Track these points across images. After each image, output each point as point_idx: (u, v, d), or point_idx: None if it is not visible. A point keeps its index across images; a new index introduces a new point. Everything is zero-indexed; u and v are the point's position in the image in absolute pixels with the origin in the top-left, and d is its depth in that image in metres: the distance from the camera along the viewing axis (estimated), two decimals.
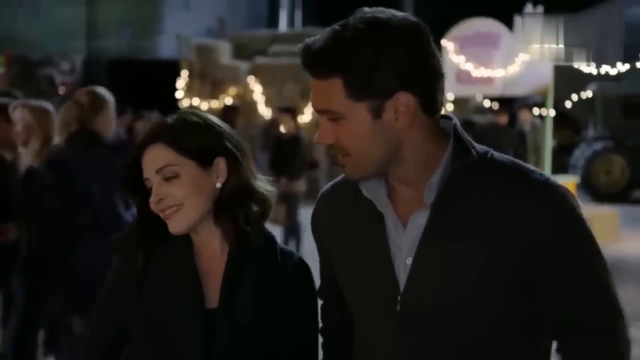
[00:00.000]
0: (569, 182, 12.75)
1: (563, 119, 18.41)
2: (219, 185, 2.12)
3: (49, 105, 5.19)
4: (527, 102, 15.07)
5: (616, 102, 18.29)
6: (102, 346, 2.29)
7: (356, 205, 2.01)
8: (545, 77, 11.65)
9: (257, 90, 17.59)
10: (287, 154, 9.85)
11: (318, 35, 1.87)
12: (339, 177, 2.14)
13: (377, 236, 1.95)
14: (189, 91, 17.57)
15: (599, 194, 17.54)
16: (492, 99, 15.60)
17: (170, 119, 2.15)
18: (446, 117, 1.97)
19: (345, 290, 2.07)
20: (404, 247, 1.92)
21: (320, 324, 2.24)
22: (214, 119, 2.19)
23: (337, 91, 1.83)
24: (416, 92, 1.83)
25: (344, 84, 1.82)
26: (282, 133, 10.35)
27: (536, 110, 18.62)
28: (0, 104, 5.62)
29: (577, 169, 17.82)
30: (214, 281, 2.15)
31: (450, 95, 13.87)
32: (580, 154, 18.54)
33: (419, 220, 1.90)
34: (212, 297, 2.13)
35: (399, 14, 1.86)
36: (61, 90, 22.44)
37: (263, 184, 2.20)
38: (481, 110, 17.56)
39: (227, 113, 10.37)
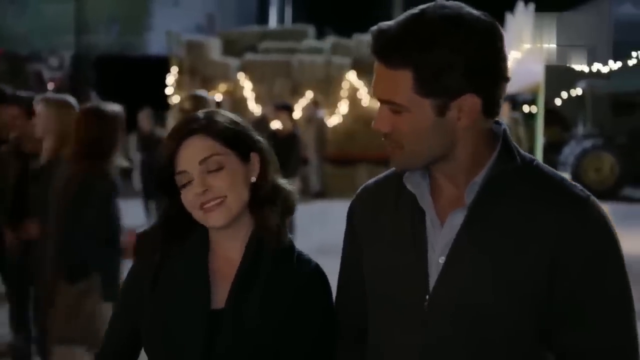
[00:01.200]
0: None
1: (553, 117, 18.41)
2: (253, 179, 2.11)
3: (71, 99, 5.08)
4: (506, 98, 15.05)
5: (606, 100, 18.34)
6: (118, 343, 2.27)
7: (397, 202, 2.00)
8: (537, 75, 11.65)
9: (247, 87, 17.56)
10: (283, 151, 9.79)
11: (393, 22, 1.83)
12: (383, 174, 2.13)
13: (416, 233, 1.94)
14: (179, 88, 17.49)
15: (589, 192, 17.55)
16: None
17: (198, 114, 2.12)
18: (496, 121, 1.96)
19: (373, 291, 2.04)
20: (438, 246, 1.90)
21: (342, 321, 2.19)
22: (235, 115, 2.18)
23: (405, 84, 1.81)
24: (482, 94, 1.82)
25: (414, 78, 1.80)
26: (278, 130, 10.27)
27: (526, 108, 18.67)
28: (23, 97, 5.63)
29: (566, 166, 17.84)
30: (226, 282, 2.11)
31: None
32: (569, 152, 18.57)
33: (456, 219, 1.89)
34: (222, 298, 2.10)
35: (475, 11, 1.83)
36: (50, 86, 22.36)
37: (284, 181, 2.20)
38: None
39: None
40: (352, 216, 2.14)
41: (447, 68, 1.78)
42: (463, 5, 1.85)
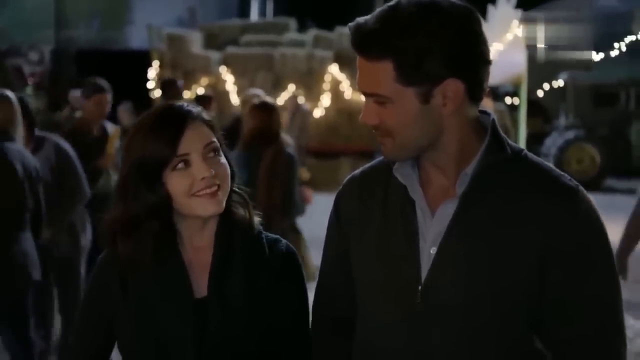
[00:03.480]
0: None
1: (535, 108, 18.48)
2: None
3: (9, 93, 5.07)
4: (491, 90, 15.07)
5: (587, 92, 18.43)
6: (89, 342, 2.26)
7: (386, 192, 2.01)
8: (519, 66, 11.68)
9: (229, 80, 17.51)
10: None
11: (369, 16, 1.85)
12: (369, 164, 2.15)
13: (407, 223, 1.95)
14: (160, 81, 17.45)
15: None
16: None
17: (187, 104, 2.15)
18: (484, 112, 1.98)
19: (362, 280, 2.05)
20: (430, 236, 1.92)
21: (315, 321, 2.23)
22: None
23: (387, 74, 1.83)
24: (465, 78, 1.84)
25: (395, 68, 1.82)
26: None
27: (508, 100, 18.71)
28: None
29: (549, 157, 17.92)
30: (201, 271, 2.14)
31: None
32: (552, 143, 18.65)
33: (448, 210, 1.91)
34: (201, 286, 2.13)
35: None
36: (30, 81, 22.23)
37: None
38: None
39: (199, 103, 10.22)
40: (338, 206, 2.15)
41: (426, 54, 1.79)
42: None
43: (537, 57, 11.88)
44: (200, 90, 17.06)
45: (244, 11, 28.28)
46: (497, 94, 17.94)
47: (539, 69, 13.83)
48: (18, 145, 4.96)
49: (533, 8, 11.79)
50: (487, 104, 13.49)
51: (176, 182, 2.07)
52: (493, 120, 1.96)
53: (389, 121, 1.88)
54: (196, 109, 2.13)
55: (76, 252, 5.81)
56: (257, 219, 2.23)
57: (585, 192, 1.92)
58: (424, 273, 1.91)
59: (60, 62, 24.26)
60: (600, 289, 1.88)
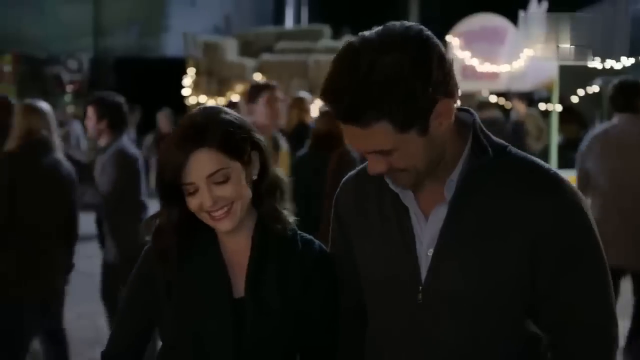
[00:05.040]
0: (572, 176, 12.75)
1: (570, 114, 18.34)
2: (255, 177, 2.23)
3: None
4: (522, 96, 14.98)
5: None
6: (125, 344, 2.37)
7: (381, 197, 2.08)
8: (551, 72, 11.65)
9: None
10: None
11: (335, 79, 1.84)
12: (362, 166, 2.20)
13: (402, 226, 2.03)
14: (196, 89, 17.56)
15: None
16: (498, 94, 15.60)
17: (200, 118, 2.16)
18: (465, 110, 2.03)
19: (366, 279, 2.15)
20: (425, 239, 2.00)
21: (343, 305, 2.30)
22: (235, 113, 2.24)
23: (385, 132, 1.86)
24: (449, 93, 1.90)
25: (392, 124, 1.84)
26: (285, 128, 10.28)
27: (542, 105, 18.60)
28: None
29: None
30: (239, 271, 2.24)
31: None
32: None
33: (440, 214, 1.99)
34: (238, 286, 2.22)
35: (395, 28, 1.86)
36: (69, 89, 22.47)
37: (278, 170, 2.33)
38: (485, 105, 17.52)
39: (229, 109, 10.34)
40: (338, 207, 2.24)
41: (415, 97, 1.82)
42: (380, 29, 1.86)
43: (570, 63, 11.79)
44: (235, 98, 17.26)
45: (279, 18, 28.36)
46: (532, 100, 17.87)
47: (573, 75, 13.75)
48: (55, 154, 5.11)
49: (564, 14, 11.72)
50: (520, 109, 13.49)
51: (189, 201, 2.17)
52: (474, 120, 2.01)
53: (399, 165, 1.93)
54: (207, 129, 2.13)
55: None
56: (291, 220, 2.29)
57: (569, 183, 1.98)
58: (423, 274, 2.00)
59: (99, 70, 24.51)
60: (589, 278, 1.95)
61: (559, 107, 12.26)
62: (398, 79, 1.80)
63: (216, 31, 24.44)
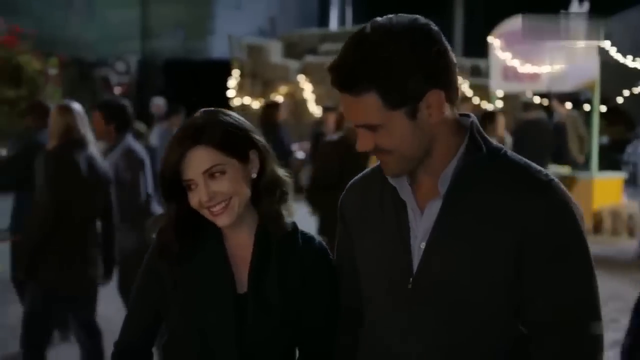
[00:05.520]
0: (616, 178, 12.68)
1: (616, 115, 18.19)
2: (254, 175, 2.28)
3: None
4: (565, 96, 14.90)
5: None
6: (135, 339, 2.43)
7: (383, 193, 2.16)
8: (592, 72, 11.63)
9: (307, 89, 17.71)
10: None
11: (341, 54, 1.96)
12: (368, 169, 2.29)
13: (400, 222, 2.10)
14: (241, 90, 17.77)
15: None
16: (541, 95, 15.55)
17: (200, 119, 2.25)
18: (466, 115, 2.11)
19: (363, 273, 2.21)
20: (420, 233, 2.07)
21: (343, 304, 2.35)
22: (236, 115, 2.34)
23: (373, 105, 1.94)
24: (442, 86, 1.96)
25: (380, 97, 1.93)
26: (324, 131, 10.33)
27: (587, 107, 18.48)
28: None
29: (629, 165, 17.62)
30: (241, 266, 2.30)
31: (499, 92, 13.88)
32: (632, 150, 18.29)
33: (434, 208, 2.05)
34: (241, 282, 2.29)
35: (406, 17, 1.98)
36: (117, 90, 22.78)
37: (281, 169, 2.37)
38: (530, 106, 17.43)
39: (267, 110, 10.42)
40: (342, 209, 2.31)
41: (407, 77, 1.91)
42: (392, 16, 1.99)
43: (615, 64, 11.73)
44: (279, 99, 17.43)
45: (324, 20, 28.47)
46: (578, 101, 17.73)
47: (617, 76, 13.65)
48: (90, 151, 5.33)
49: (606, 15, 11.68)
50: (560, 110, 13.48)
51: (191, 198, 2.25)
52: (472, 121, 2.08)
53: (385, 144, 2.00)
54: (205, 128, 2.23)
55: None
56: (290, 218, 2.35)
57: (559, 185, 2.02)
58: (415, 266, 2.06)
59: (146, 72, 24.79)
60: (576, 278, 1.99)
61: (602, 108, 12.21)
62: (393, 57, 1.90)
63: (261, 33, 24.59)
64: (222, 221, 2.25)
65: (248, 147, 2.28)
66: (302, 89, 17.78)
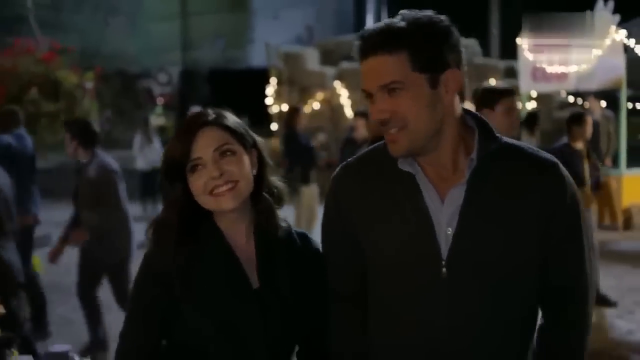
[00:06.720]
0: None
1: None
2: (254, 172, 2.31)
3: None
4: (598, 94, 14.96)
5: None
6: (143, 336, 2.33)
7: (389, 181, 2.20)
8: (618, 70, 11.78)
9: (343, 95, 17.82)
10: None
11: (374, 26, 2.10)
12: (363, 152, 2.34)
13: (417, 209, 2.15)
14: (278, 97, 17.94)
15: None
16: (575, 95, 15.65)
17: (208, 110, 2.30)
18: (468, 112, 2.24)
19: (378, 260, 2.23)
20: (443, 219, 2.14)
21: (337, 290, 2.37)
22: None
23: (402, 63, 2.05)
24: (459, 67, 2.12)
25: (410, 57, 2.05)
26: (354, 136, 10.31)
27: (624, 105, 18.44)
28: None
29: None
30: (247, 264, 2.30)
31: (533, 93, 14.06)
32: None
33: (455, 194, 2.14)
34: (251, 279, 2.29)
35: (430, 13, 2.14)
36: (159, 101, 23.14)
37: (276, 179, 2.42)
38: (565, 105, 17.54)
39: (289, 115, 10.61)
40: (338, 194, 2.30)
41: (435, 47, 2.07)
42: (418, 11, 2.13)
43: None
44: (316, 105, 17.64)
45: (360, 27, 28.40)
46: (616, 98, 17.76)
47: None
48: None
49: (634, 14, 11.83)
50: (596, 107, 13.58)
51: (193, 182, 2.24)
52: (480, 117, 2.22)
53: (403, 107, 2.07)
54: (213, 116, 2.27)
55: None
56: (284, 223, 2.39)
57: (562, 166, 2.20)
58: (444, 252, 2.13)
59: (191, 82, 25.13)
60: (583, 252, 2.21)
61: (630, 105, 12.31)
62: (423, 27, 2.07)
63: (299, 41, 24.79)
64: (226, 203, 2.23)
65: (250, 142, 2.32)
66: (338, 95, 17.92)
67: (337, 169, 2.32)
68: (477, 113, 2.25)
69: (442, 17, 2.14)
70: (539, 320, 2.29)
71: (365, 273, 2.29)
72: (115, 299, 6.60)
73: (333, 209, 2.31)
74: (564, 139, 7.96)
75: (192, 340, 2.26)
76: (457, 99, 2.15)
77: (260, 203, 2.34)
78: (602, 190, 9.33)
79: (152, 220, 2.31)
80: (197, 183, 2.23)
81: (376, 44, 2.07)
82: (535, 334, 2.28)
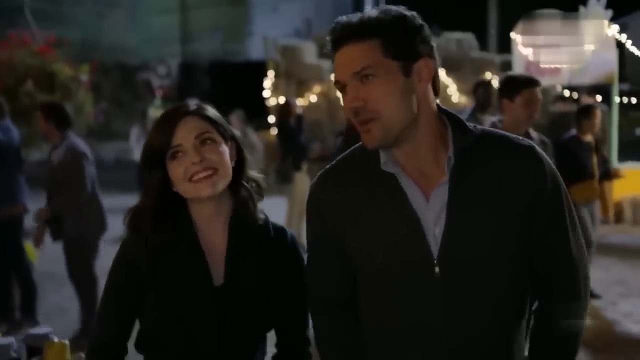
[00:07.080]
0: (637, 168, 12.87)
1: None
2: (233, 164, 2.35)
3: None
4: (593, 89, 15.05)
5: None
6: (114, 321, 2.41)
7: (370, 184, 2.18)
8: (610, 65, 11.89)
9: None
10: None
11: (351, 16, 2.10)
12: (339, 158, 2.31)
13: (403, 210, 2.13)
14: (276, 90, 17.93)
15: None
16: (570, 89, 15.75)
17: (189, 102, 2.36)
18: (441, 109, 2.21)
19: (367, 265, 2.21)
20: (431, 219, 2.12)
21: (323, 296, 2.34)
22: None
23: (374, 50, 2.05)
24: (431, 57, 2.11)
25: (383, 44, 2.05)
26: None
27: (617, 99, 18.52)
28: None
29: None
30: (215, 258, 2.34)
31: None
32: None
33: (440, 193, 2.12)
34: (217, 274, 2.33)
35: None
36: (158, 93, 23.18)
37: (255, 172, 2.46)
38: (560, 99, 17.59)
39: (282, 108, 10.89)
40: (319, 203, 2.27)
41: (407, 36, 2.08)
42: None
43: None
44: (313, 98, 17.68)
45: None
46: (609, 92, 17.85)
47: None
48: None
49: (627, 10, 11.93)
50: (590, 102, 13.63)
51: (173, 169, 2.27)
52: (452, 114, 2.20)
53: (375, 95, 2.06)
54: (194, 106, 2.32)
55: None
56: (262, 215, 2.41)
57: (538, 148, 2.20)
58: (434, 251, 2.11)
59: (190, 75, 25.16)
60: (571, 232, 2.21)
61: (618, 100, 12.41)
62: (400, 19, 2.08)
63: (297, 34, 24.79)
64: (205, 190, 2.26)
65: (229, 134, 2.37)
66: (335, 88, 17.89)
67: (316, 177, 2.31)
68: (450, 110, 2.23)
69: (414, 12, 2.14)
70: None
71: (354, 279, 2.27)
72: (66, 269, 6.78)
73: (315, 217, 2.30)
74: (572, 131, 7.98)
75: (151, 329, 2.34)
76: (431, 90, 2.14)
77: (240, 192, 2.38)
78: (612, 180, 9.25)
79: (129, 207, 2.36)
80: (178, 170, 2.27)
81: (349, 33, 2.08)
82: (532, 320, 2.28)
